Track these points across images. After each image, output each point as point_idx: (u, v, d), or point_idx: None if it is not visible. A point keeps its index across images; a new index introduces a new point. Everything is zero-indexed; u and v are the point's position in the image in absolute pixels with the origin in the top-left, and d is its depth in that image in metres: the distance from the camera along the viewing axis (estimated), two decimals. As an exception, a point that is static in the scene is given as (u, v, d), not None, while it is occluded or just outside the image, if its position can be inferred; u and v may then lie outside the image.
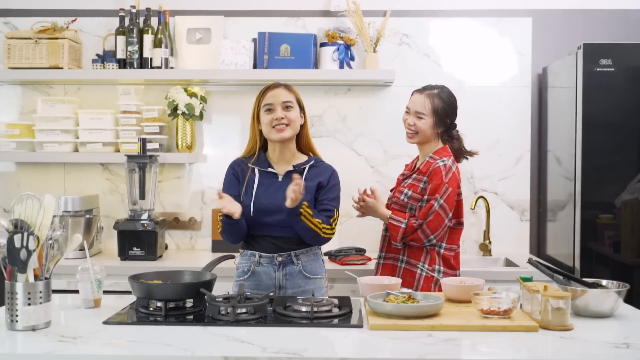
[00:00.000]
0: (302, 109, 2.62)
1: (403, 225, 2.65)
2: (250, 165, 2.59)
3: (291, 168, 2.58)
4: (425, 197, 2.66)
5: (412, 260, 2.70)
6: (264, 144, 2.63)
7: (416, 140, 2.78)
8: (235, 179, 2.61)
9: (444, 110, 2.76)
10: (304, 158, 2.63)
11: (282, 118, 2.52)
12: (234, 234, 2.55)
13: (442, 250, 2.69)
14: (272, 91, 2.57)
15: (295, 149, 2.63)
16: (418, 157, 2.88)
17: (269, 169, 2.58)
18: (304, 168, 2.59)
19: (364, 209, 2.76)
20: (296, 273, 2.54)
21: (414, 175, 2.76)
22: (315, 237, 2.51)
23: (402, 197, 2.74)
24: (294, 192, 2.38)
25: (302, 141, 2.65)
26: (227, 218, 2.47)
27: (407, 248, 2.71)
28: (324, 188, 2.58)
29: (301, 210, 2.43)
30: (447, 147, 2.78)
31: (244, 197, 2.55)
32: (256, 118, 2.60)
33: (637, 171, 3.14)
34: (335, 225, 2.59)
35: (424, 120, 2.74)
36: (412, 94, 2.82)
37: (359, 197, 2.76)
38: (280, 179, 2.57)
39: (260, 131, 2.60)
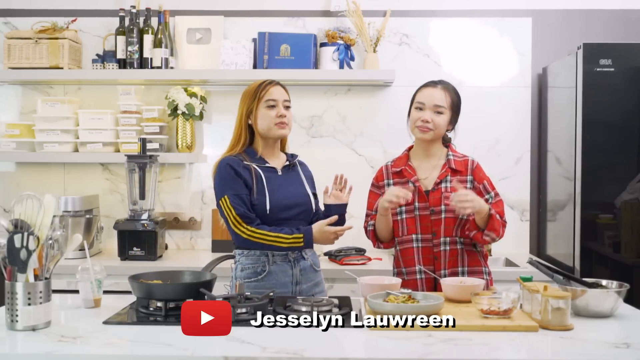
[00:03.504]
0: None
1: (500, 220, 2.47)
2: (246, 162, 2.52)
3: (286, 163, 2.60)
4: (491, 193, 2.53)
5: (476, 268, 2.55)
6: (250, 140, 2.61)
7: (430, 137, 2.54)
8: (240, 179, 2.48)
9: (458, 106, 2.62)
10: (283, 154, 2.67)
11: (285, 116, 2.54)
12: None
13: (484, 249, 2.62)
14: (274, 88, 2.55)
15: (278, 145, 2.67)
16: (407, 158, 2.64)
17: (267, 165, 2.56)
18: (295, 163, 2.64)
19: (474, 203, 2.37)
20: (308, 267, 2.57)
21: (449, 177, 2.53)
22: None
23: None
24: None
25: (283, 140, 2.67)
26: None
27: (467, 257, 2.54)
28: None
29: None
30: (450, 145, 2.68)
31: (257, 196, 2.48)
32: (252, 112, 2.54)
33: (637, 171, 3.14)
34: None
35: (444, 116, 2.54)
36: (422, 90, 2.59)
37: (455, 194, 2.37)
38: (279, 173, 2.57)
39: (249, 127, 2.56)
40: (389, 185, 2.62)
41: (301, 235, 2.46)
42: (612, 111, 3.17)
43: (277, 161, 2.60)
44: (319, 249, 3.57)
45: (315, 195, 2.63)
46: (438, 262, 2.52)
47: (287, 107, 2.56)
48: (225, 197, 2.47)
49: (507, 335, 1.93)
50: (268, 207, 2.47)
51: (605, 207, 3.18)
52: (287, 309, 2.15)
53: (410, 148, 2.68)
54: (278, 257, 2.50)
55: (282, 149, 2.68)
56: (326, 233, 2.47)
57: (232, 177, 2.48)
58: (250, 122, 2.56)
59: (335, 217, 2.49)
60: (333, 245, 3.48)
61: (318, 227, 2.47)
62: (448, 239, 2.52)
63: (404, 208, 2.54)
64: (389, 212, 2.52)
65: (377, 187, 2.66)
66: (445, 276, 2.49)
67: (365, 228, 2.66)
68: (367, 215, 2.68)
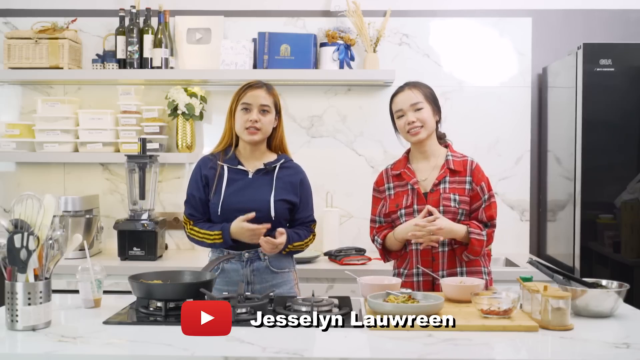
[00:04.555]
0: (278, 112, 2.62)
1: (484, 237, 2.48)
2: (219, 162, 2.59)
3: (262, 166, 2.59)
4: (485, 195, 2.53)
5: (475, 268, 2.54)
6: (235, 140, 2.63)
7: (424, 135, 2.53)
8: (201, 182, 2.59)
9: (433, 96, 2.61)
10: (274, 156, 2.64)
11: (257, 121, 2.52)
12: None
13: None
14: (253, 91, 2.56)
15: (265, 148, 2.64)
16: (406, 160, 2.63)
17: (239, 167, 2.58)
18: (275, 167, 2.59)
19: (440, 233, 2.41)
20: (263, 268, 2.56)
21: (447, 177, 2.52)
22: (300, 251, 2.65)
23: (453, 205, 2.49)
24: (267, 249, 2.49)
25: (274, 142, 2.65)
26: (228, 243, 2.52)
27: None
28: (296, 204, 2.62)
29: (287, 251, 2.56)
30: (450, 145, 2.67)
31: (213, 196, 2.56)
32: (232, 114, 2.59)
33: (637, 171, 3.14)
34: (315, 227, 2.70)
35: (425, 110, 2.53)
36: (394, 99, 2.62)
37: (423, 225, 2.40)
38: (250, 176, 2.58)
39: (232, 128, 2.61)
40: (389, 189, 2.61)
41: (220, 232, 2.51)
42: (612, 111, 3.17)
43: (255, 163, 2.60)
44: (319, 248, 3.57)
45: (288, 201, 2.57)
46: (436, 263, 2.51)
47: (265, 112, 2.55)
48: (187, 196, 2.64)
49: (507, 335, 1.93)
50: (219, 209, 2.53)
51: (605, 207, 3.18)
52: (287, 309, 2.15)
53: (409, 151, 2.68)
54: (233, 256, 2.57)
55: (277, 150, 2.66)
56: (242, 229, 2.47)
57: (195, 177, 2.62)
58: (232, 123, 2.61)
59: (252, 214, 2.46)
60: (333, 245, 3.51)
61: (235, 223, 2.49)
62: (446, 239, 2.52)
63: (403, 211, 2.54)
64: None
65: (379, 192, 2.65)
66: (443, 277, 2.48)
67: (373, 240, 2.64)
68: (371, 221, 2.66)
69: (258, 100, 2.54)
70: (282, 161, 2.61)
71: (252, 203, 2.52)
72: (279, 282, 2.58)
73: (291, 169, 2.64)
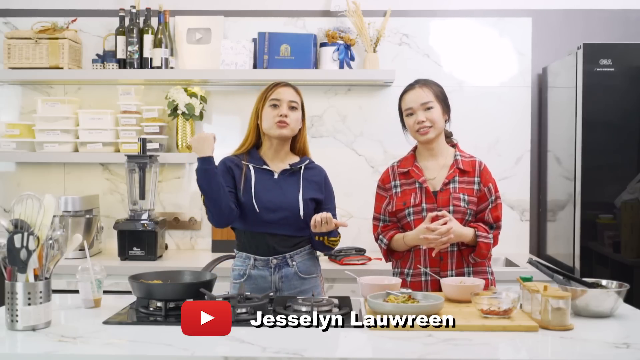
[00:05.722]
0: (303, 113, 2.62)
1: (491, 240, 2.50)
2: (244, 162, 2.58)
3: (287, 167, 2.58)
4: (492, 197, 2.54)
5: (480, 268, 2.55)
6: (257, 141, 2.63)
7: (433, 135, 2.52)
8: (227, 173, 2.55)
9: (443, 95, 2.59)
10: (296, 158, 2.64)
11: (286, 116, 2.52)
12: (213, 194, 2.46)
13: None
14: (281, 88, 2.57)
15: (288, 149, 2.63)
16: (413, 158, 2.61)
17: (264, 167, 2.57)
18: (300, 167, 2.59)
19: (453, 236, 2.39)
20: (292, 275, 2.54)
21: (457, 177, 2.52)
22: (326, 249, 2.62)
23: (462, 205, 2.49)
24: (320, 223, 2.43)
25: (298, 144, 2.65)
26: (204, 164, 2.44)
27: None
28: (322, 201, 2.61)
29: (322, 239, 2.54)
30: (457, 144, 2.66)
31: (243, 194, 2.53)
32: (259, 113, 2.59)
33: (637, 171, 3.14)
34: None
35: (435, 109, 2.52)
36: (404, 97, 2.59)
37: (435, 228, 2.37)
38: (276, 176, 2.57)
39: (257, 127, 2.60)
40: (396, 186, 2.60)
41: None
42: (612, 111, 3.17)
43: (280, 164, 2.59)
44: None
45: (316, 200, 2.58)
46: (444, 263, 2.51)
47: (293, 108, 2.56)
48: None
49: (507, 335, 1.93)
50: (256, 207, 2.50)
51: (605, 207, 3.18)
52: (287, 309, 2.15)
53: (415, 148, 2.67)
54: (260, 261, 2.53)
55: (300, 152, 2.66)
56: (193, 140, 2.48)
57: (220, 171, 2.53)
58: (258, 122, 2.59)
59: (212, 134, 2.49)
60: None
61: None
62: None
63: (411, 209, 2.52)
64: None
65: (384, 190, 2.63)
66: (452, 276, 2.48)
67: (376, 239, 2.62)
68: (375, 219, 2.64)
69: (287, 97, 2.55)
70: (306, 162, 2.62)
71: (282, 202, 2.52)
72: (307, 288, 2.55)
73: (315, 169, 2.65)
